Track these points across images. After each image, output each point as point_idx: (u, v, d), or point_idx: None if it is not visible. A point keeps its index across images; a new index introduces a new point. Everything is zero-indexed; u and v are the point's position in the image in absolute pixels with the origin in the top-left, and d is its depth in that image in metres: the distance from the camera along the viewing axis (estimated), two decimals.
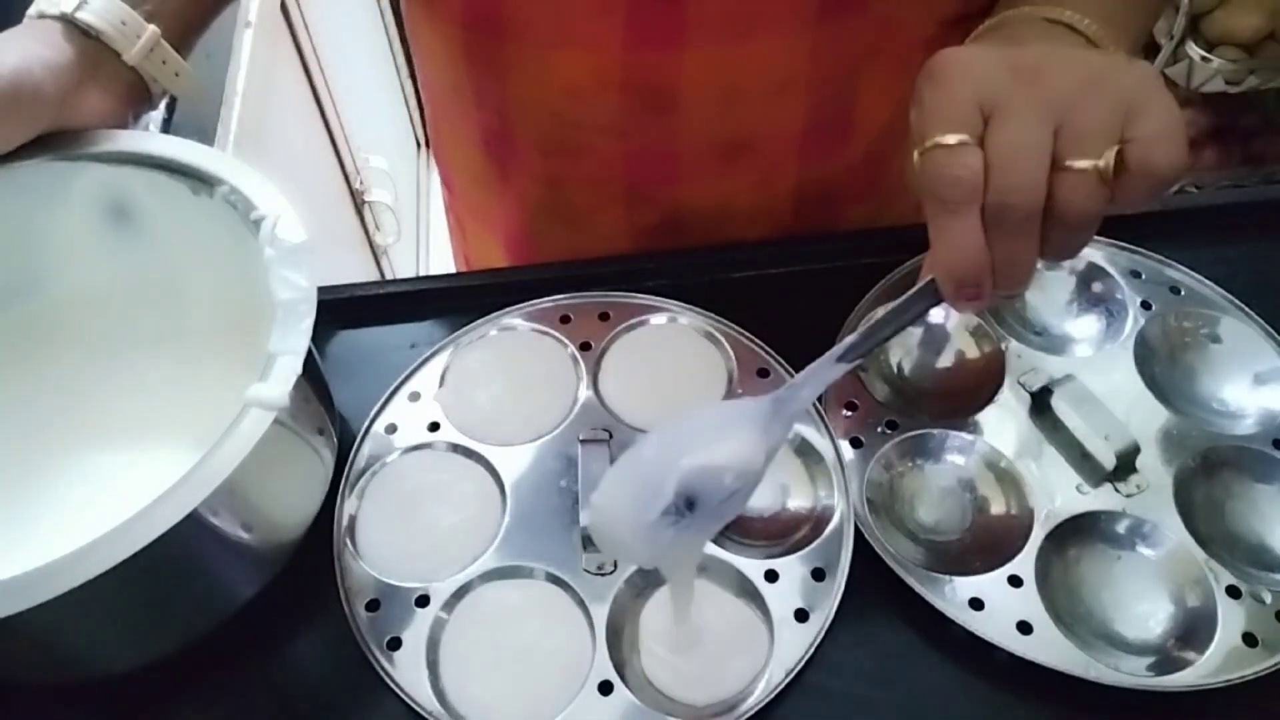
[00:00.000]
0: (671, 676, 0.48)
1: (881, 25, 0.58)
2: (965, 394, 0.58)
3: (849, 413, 0.56)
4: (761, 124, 0.62)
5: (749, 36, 0.56)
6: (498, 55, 0.61)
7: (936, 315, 0.61)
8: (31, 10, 0.52)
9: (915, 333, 0.61)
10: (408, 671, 0.48)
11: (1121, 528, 0.52)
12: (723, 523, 0.44)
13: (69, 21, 0.51)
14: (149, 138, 0.54)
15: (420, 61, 0.70)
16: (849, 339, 0.43)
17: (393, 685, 0.47)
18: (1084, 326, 0.61)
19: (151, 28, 0.53)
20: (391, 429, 0.56)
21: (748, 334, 0.59)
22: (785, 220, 0.68)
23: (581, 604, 0.50)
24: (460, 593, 0.50)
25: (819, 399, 0.56)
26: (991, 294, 0.40)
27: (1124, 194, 0.38)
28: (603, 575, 0.51)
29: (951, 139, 0.38)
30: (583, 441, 0.54)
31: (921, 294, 0.41)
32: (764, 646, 0.49)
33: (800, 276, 0.65)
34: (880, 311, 0.45)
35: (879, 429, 0.56)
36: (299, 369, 0.44)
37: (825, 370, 0.43)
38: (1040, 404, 0.56)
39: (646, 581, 0.51)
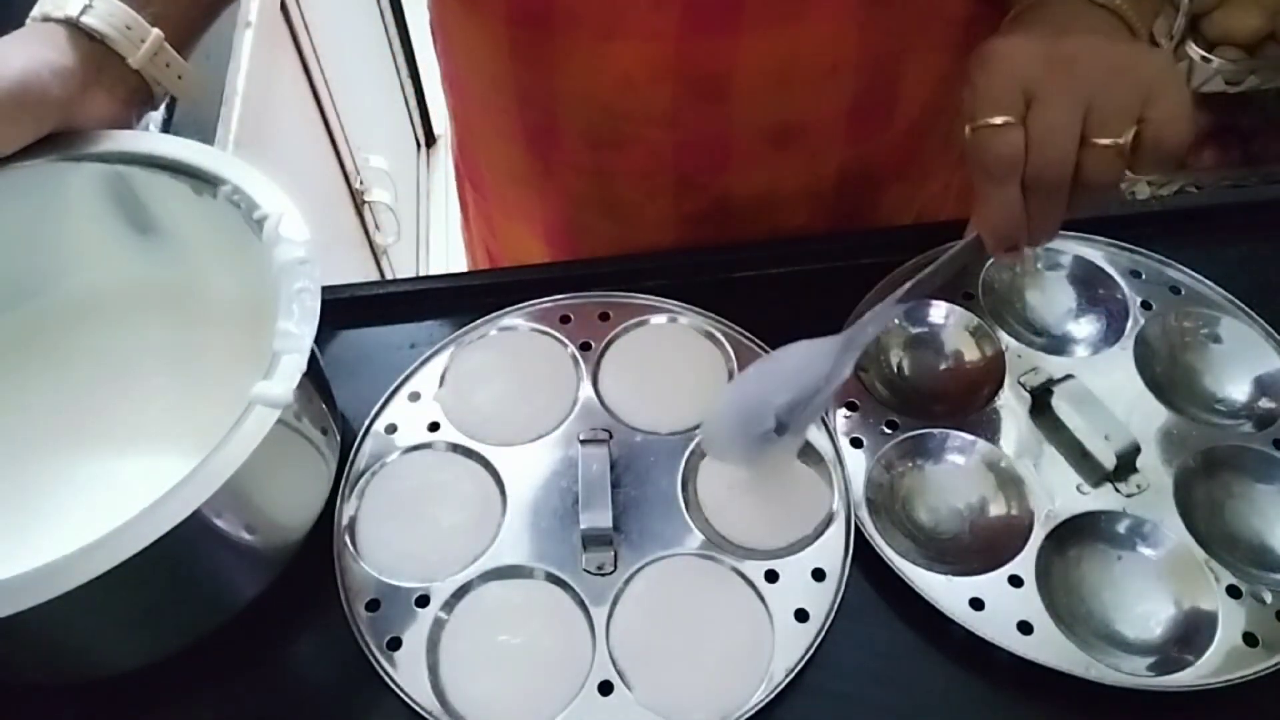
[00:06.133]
0: (672, 677, 0.48)
1: (927, 4, 0.59)
2: (965, 394, 0.58)
3: (849, 413, 0.56)
4: (811, 107, 0.62)
5: (801, 19, 0.57)
6: (546, 50, 0.61)
7: (937, 316, 0.61)
8: (35, 12, 0.52)
9: (916, 333, 0.61)
10: (408, 671, 0.48)
11: (1122, 528, 0.52)
12: (804, 434, 0.54)
13: (74, 25, 0.51)
14: (152, 138, 0.54)
15: (453, 59, 0.70)
16: (908, 284, 0.51)
17: (393, 685, 0.47)
18: (1084, 327, 0.61)
19: (155, 31, 0.53)
20: (391, 429, 0.56)
21: (748, 334, 0.59)
22: (828, 201, 0.69)
23: (581, 604, 0.50)
24: (460, 593, 0.50)
25: None
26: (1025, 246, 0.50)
27: (1139, 166, 0.46)
28: (603, 575, 0.51)
29: (998, 120, 0.46)
30: (583, 441, 0.54)
31: (968, 248, 0.50)
32: (764, 646, 0.49)
33: (800, 276, 0.65)
34: (932, 265, 0.53)
35: (879, 429, 0.56)
36: (304, 366, 0.44)
37: (887, 311, 0.52)
38: (1040, 404, 0.56)
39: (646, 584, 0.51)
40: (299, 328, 0.45)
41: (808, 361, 0.51)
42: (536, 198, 0.72)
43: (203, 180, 0.51)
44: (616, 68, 0.60)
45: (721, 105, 0.61)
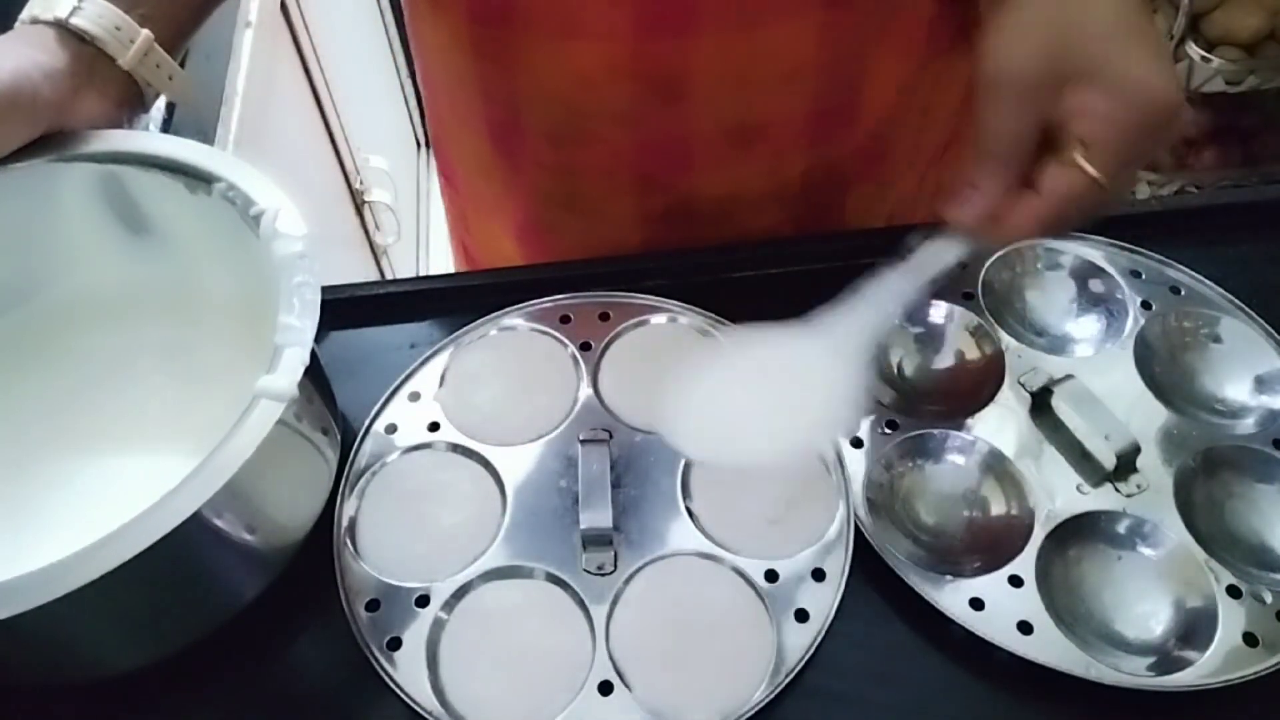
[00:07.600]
0: (672, 677, 0.48)
1: (887, 7, 0.59)
2: (965, 394, 0.58)
3: None
4: (771, 110, 0.62)
5: (759, 23, 0.57)
6: (506, 48, 0.61)
7: (937, 316, 0.61)
8: (24, 15, 0.52)
9: (916, 332, 0.61)
10: (408, 671, 0.48)
11: (1122, 528, 0.52)
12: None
13: (63, 27, 0.51)
14: (144, 137, 0.53)
15: (422, 55, 0.70)
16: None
17: (393, 685, 0.47)
18: (1084, 326, 0.61)
19: (145, 32, 0.53)
20: (391, 429, 0.56)
21: None
22: (793, 204, 0.69)
23: (581, 604, 0.50)
24: (460, 593, 0.50)
25: None
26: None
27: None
28: (603, 575, 0.51)
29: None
30: (583, 441, 0.54)
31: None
32: (764, 646, 0.49)
33: (800, 276, 0.64)
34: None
35: (879, 429, 0.56)
36: (306, 359, 0.43)
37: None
38: (1040, 404, 0.56)
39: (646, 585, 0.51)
40: (300, 321, 0.44)
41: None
42: (504, 193, 0.73)
43: (197, 178, 0.51)
44: (575, 67, 0.60)
45: (680, 105, 0.61)
